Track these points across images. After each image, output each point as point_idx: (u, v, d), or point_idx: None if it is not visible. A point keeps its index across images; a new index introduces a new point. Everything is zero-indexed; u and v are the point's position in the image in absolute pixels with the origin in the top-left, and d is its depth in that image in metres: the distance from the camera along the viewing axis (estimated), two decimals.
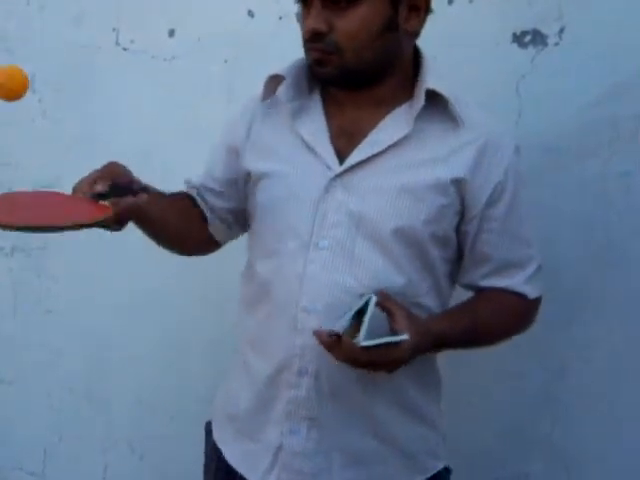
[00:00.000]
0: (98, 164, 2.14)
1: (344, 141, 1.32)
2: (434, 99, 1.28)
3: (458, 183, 1.28)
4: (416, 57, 1.35)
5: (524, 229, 1.36)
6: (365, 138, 1.30)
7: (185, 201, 1.50)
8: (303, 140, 1.34)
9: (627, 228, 1.62)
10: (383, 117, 1.31)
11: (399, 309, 1.22)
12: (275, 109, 1.40)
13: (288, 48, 1.75)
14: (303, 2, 1.28)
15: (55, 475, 2.35)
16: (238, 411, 1.43)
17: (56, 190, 1.24)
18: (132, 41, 1.95)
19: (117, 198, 1.20)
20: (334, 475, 1.34)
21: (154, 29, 1.92)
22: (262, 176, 1.39)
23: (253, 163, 1.41)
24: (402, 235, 1.28)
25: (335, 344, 1.18)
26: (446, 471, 1.44)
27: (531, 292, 1.38)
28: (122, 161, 2.11)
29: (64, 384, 2.24)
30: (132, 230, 2.03)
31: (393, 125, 1.30)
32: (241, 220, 1.50)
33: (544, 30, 1.59)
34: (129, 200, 1.21)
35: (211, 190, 1.49)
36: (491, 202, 1.30)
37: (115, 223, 1.23)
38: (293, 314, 1.31)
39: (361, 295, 1.24)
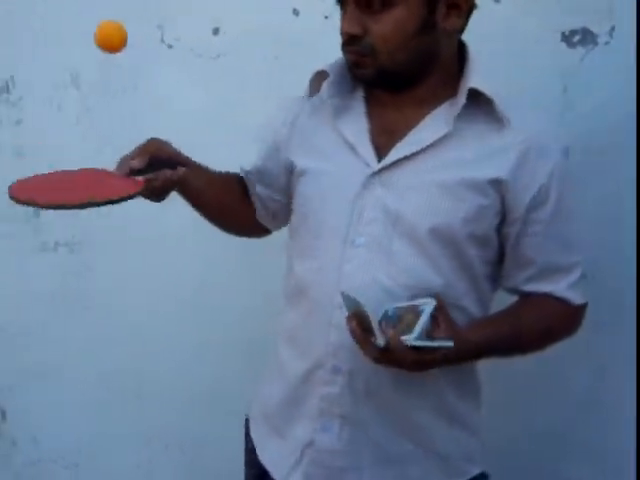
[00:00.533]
0: None
1: (384, 139, 1.32)
2: (479, 98, 1.26)
3: (497, 184, 1.26)
4: (462, 52, 1.33)
5: (570, 234, 1.34)
6: (405, 137, 1.30)
7: (237, 183, 1.56)
8: (344, 138, 1.35)
9: None
10: (424, 116, 1.30)
11: (445, 319, 1.22)
12: (321, 105, 1.40)
13: (333, 47, 1.74)
14: (340, 5, 1.28)
15: (93, 468, 2.37)
16: (270, 408, 1.45)
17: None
18: (177, 39, 1.96)
19: (155, 173, 1.28)
20: (364, 472, 1.35)
21: (199, 27, 1.92)
22: (302, 172, 1.40)
23: (296, 159, 1.42)
24: (438, 234, 1.27)
25: (366, 338, 1.18)
26: (482, 477, 1.43)
27: (576, 298, 1.35)
28: None
29: (104, 379, 2.26)
30: (173, 229, 2.05)
31: (433, 124, 1.29)
32: (286, 212, 1.52)
33: (594, 29, 1.57)
34: (166, 173, 1.28)
35: (257, 179, 1.53)
36: (534, 205, 1.28)
37: (154, 196, 1.32)
38: (329, 312, 1.31)
39: (413, 296, 1.24)
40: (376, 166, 1.30)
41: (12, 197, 1.21)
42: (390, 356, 1.17)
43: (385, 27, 1.22)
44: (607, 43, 1.57)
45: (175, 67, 1.98)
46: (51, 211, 2.18)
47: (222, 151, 1.95)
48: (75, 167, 2.12)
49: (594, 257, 1.52)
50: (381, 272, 1.28)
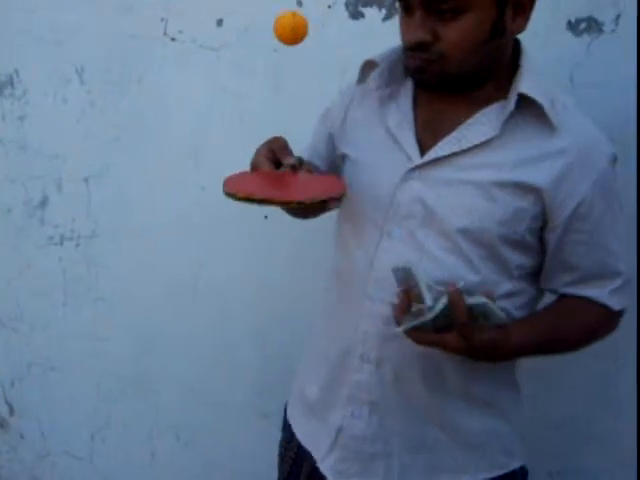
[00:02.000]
0: (147, 154, 2.16)
1: (428, 134, 1.31)
2: (529, 101, 1.23)
3: (534, 190, 1.24)
4: (516, 49, 1.30)
5: (614, 242, 1.30)
6: (450, 133, 1.28)
7: None
8: (389, 130, 1.34)
9: None
10: (471, 115, 1.28)
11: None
12: (369, 95, 1.40)
13: (337, 37, 1.75)
14: (404, 8, 1.24)
15: (102, 460, 2.38)
16: (309, 389, 1.47)
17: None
18: (180, 31, 1.96)
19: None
20: (394, 459, 1.36)
21: (202, 19, 1.92)
22: (346, 160, 1.42)
23: (344, 146, 1.43)
24: (469, 234, 1.26)
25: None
26: (522, 470, 1.42)
27: (615, 304, 1.33)
28: (170, 150, 2.14)
29: (112, 371, 2.27)
30: (180, 220, 2.05)
31: (480, 125, 1.26)
32: None
33: (600, 17, 1.55)
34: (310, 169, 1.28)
35: (317, 167, 1.53)
36: (578, 214, 1.26)
37: None
38: (360, 301, 1.33)
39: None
40: (417, 161, 1.29)
41: (232, 194, 1.15)
42: (433, 333, 1.19)
43: (457, 34, 1.19)
44: (613, 31, 1.55)
45: (178, 59, 1.98)
46: (56, 206, 2.21)
47: (225, 142, 1.96)
48: (82, 159, 2.15)
49: None
50: (414, 266, 1.27)
